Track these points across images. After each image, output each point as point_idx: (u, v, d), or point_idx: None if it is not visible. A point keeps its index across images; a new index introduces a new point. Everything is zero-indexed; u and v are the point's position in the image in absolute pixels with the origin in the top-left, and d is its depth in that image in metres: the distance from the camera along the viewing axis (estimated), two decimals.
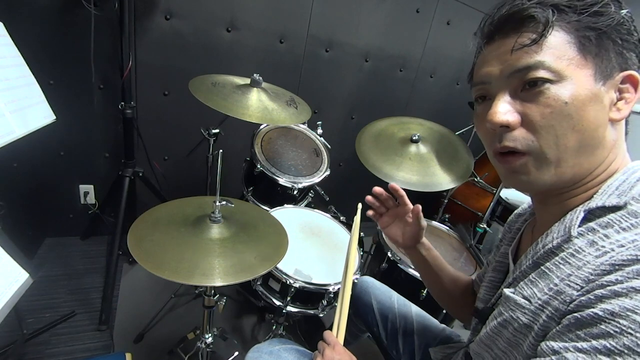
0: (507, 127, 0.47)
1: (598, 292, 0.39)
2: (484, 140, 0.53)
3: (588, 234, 0.44)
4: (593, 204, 0.46)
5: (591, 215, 0.46)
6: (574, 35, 0.44)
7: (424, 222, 0.79)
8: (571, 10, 0.44)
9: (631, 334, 0.35)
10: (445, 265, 0.83)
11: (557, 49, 0.44)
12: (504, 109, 0.46)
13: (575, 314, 0.40)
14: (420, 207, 0.77)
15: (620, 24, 0.44)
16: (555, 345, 0.41)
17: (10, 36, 0.97)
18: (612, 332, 0.36)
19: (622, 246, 0.40)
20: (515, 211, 0.71)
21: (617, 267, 0.39)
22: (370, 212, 0.85)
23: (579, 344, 0.38)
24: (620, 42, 0.44)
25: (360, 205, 0.95)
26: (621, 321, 0.36)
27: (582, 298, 0.40)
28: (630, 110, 0.46)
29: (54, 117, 1.08)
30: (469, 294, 0.81)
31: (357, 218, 0.93)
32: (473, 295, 0.81)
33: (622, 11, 0.44)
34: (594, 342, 0.37)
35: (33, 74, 1.02)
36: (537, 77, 0.44)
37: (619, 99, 0.46)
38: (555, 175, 0.47)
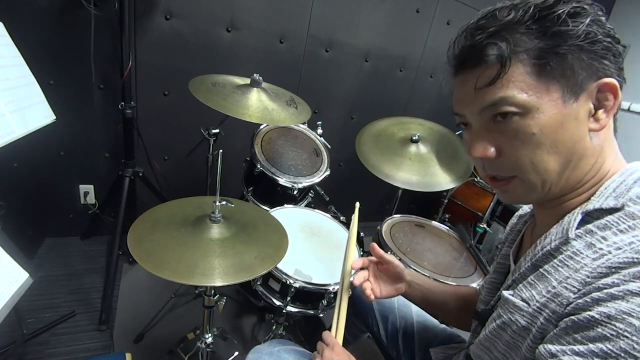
0: (487, 157, 0.49)
1: (595, 295, 0.39)
2: (474, 164, 0.55)
3: (586, 236, 0.44)
4: (591, 206, 0.46)
5: (589, 217, 0.46)
6: (534, 64, 0.43)
7: (388, 257, 0.82)
8: (528, 35, 0.43)
9: (627, 337, 0.35)
10: (439, 285, 0.86)
11: (519, 82, 0.44)
12: (481, 145, 0.49)
13: (572, 317, 0.40)
14: (374, 245, 0.82)
15: (584, 37, 0.42)
16: (552, 348, 0.41)
17: (10, 36, 0.97)
18: (608, 335, 0.36)
19: (619, 249, 0.40)
20: (517, 212, 0.71)
21: (614, 269, 0.39)
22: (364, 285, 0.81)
23: (576, 347, 0.38)
24: (586, 55, 0.42)
25: (358, 205, 0.95)
26: (618, 324, 0.36)
27: (579, 301, 0.40)
28: (610, 118, 0.45)
29: (54, 117, 1.08)
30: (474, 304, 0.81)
31: (355, 217, 0.92)
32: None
33: (584, 20, 0.42)
34: (590, 345, 0.37)
35: (33, 74, 1.02)
36: (504, 112, 0.45)
37: (598, 108, 0.45)
38: (542, 193, 0.48)
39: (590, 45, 0.42)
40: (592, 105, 0.44)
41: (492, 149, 0.48)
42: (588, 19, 0.42)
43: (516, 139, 0.46)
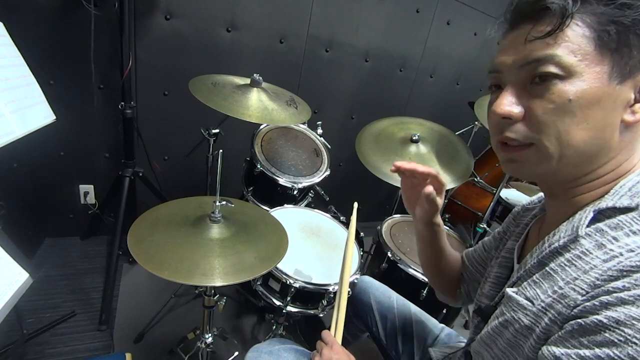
0: (509, 119, 0.47)
1: (604, 298, 0.38)
2: (490, 129, 0.52)
3: (596, 235, 0.43)
4: (603, 204, 0.44)
5: (601, 215, 0.44)
6: (593, 29, 0.41)
7: (439, 201, 0.69)
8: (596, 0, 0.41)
9: (636, 344, 0.34)
10: (447, 247, 0.79)
11: (572, 43, 0.41)
12: (508, 101, 0.46)
13: (579, 320, 0.39)
14: (430, 188, 0.66)
15: None
16: (557, 351, 0.40)
17: (10, 36, 0.97)
18: (616, 340, 0.35)
19: (632, 251, 0.38)
20: (524, 203, 0.69)
21: (625, 273, 0.37)
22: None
23: (582, 352, 0.37)
24: None
25: (356, 205, 0.95)
26: (626, 330, 0.35)
27: (587, 304, 0.39)
28: None
29: (54, 117, 1.08)
30: (457, 272, 0.81)
31: (353, 217, 0.92)
32: (460, 273, 0.81)
33: None
34: (597, 350, 0.36)
35: (33, 74, 1.02)
36: (546, 72, 0.43)
37: (638, 101, 0.43)
38: (553, 169, 0.46)
39: None
40: (633, 96, 0.43)
41: (520, 108, 0.46)
42: None
43: (549, 102, 0.43)
